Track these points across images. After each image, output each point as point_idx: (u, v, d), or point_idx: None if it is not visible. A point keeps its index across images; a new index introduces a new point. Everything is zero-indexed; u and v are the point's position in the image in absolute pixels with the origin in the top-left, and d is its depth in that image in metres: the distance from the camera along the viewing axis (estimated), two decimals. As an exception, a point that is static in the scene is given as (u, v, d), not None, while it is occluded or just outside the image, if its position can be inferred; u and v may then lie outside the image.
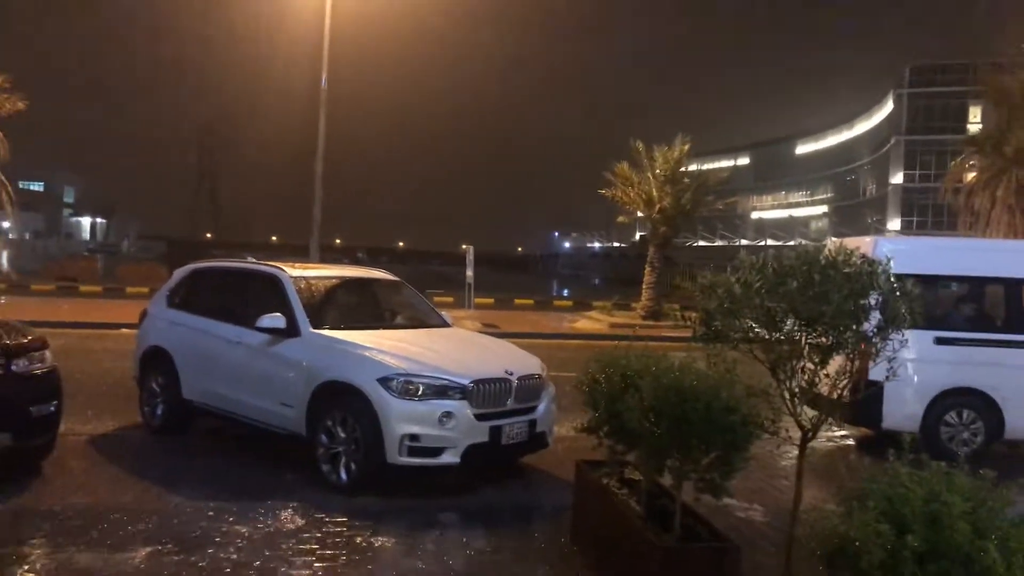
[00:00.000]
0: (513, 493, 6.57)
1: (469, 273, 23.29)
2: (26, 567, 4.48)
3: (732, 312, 3.07)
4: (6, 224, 38.04)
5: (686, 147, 22.69)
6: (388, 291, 8.47)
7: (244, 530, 5.14)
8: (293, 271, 7.44)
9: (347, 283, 8.19)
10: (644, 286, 23.17)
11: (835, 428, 9.23)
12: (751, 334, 3.15)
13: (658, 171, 22.45)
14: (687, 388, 3.90)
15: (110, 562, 4.50)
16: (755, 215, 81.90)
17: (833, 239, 3.30)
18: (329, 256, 24.60)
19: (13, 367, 5.91)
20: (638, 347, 4.89)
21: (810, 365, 3.11)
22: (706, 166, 40.24)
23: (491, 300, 28.01)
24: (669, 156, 22.46)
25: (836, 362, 3.18)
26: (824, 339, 3.03)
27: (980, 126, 40.65)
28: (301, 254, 21.33)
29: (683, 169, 23.31)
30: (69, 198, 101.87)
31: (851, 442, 9.00)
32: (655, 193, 22.47)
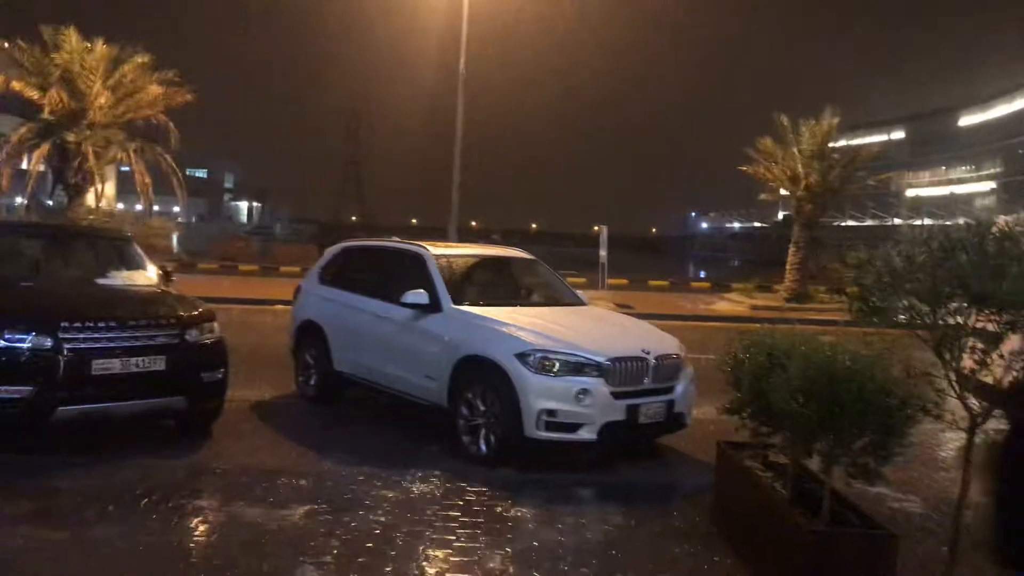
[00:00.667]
0: (651, 472, 6.53)
1: (603, 253, 23.12)
2: (199, 518, 4.91)
3: (892, 287, 2.89)
4: (176, 209, 41.32)
5: (835, 121, 21.48)
6: (524, 269, 8.58)
7: (391, 495, 5.39)
8: (435, 249, 7.68)
9: (485, 261, 8.36)
10: (788, 267, 22.21)
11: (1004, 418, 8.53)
12: (913, 312, 2.96)
13: (804, 146, 21.39)
14: (839, 368, 3.72)
15: (272, 517, 4.85)
16: (910, 192, 76.37)
17: (1004, 216, 3.04)
18: (466, 238, 25.18)
19: (187, 337, 6.45)
20: (783, 329, 4.72)
21: (980, 345, 2.89)
22: (856, 141, 37.92)
23: (625, 281, 27.73)
24: (816, 130, 21.34)
25: (1011, 343, 2.94)
26: (998, 317, 2.79)
27: None
28: (440, 236, 21.95)
29: (831, 144, 22.11)
30: (229, 184, 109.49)
31: None
32: (800, 169, 21.45)
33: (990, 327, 2.97)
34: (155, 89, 19.07)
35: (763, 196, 25.31)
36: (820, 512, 3.99)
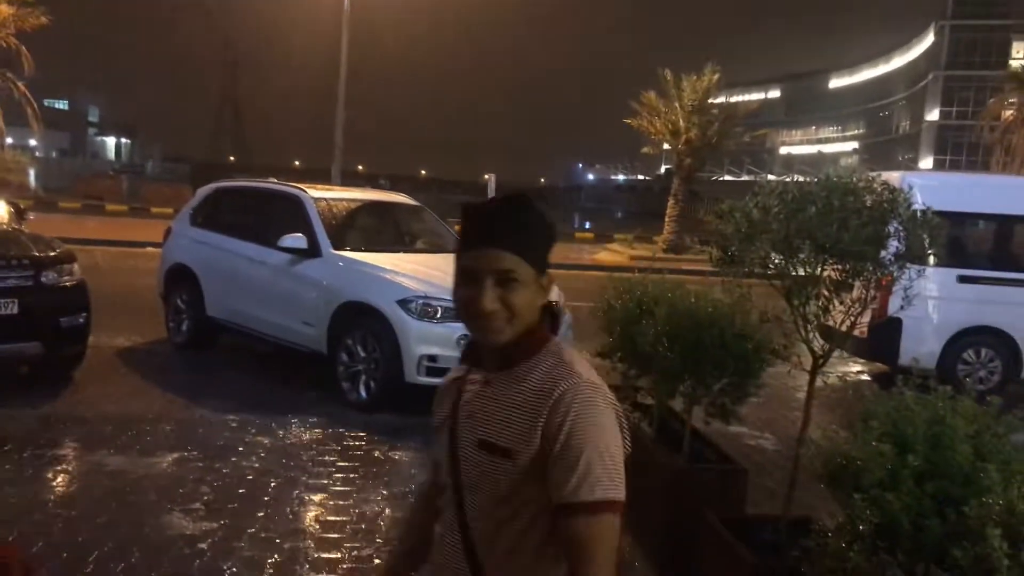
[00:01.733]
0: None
1: (491, 202, 23.18)
2: (61, 467, 4.69)
3: (749, 238, 3.06)
4: (32, 142, 38.24)
5: (715, 77, 22.17)
6: (408, 215, 8.50)
7: (266, 441, 5.32)
8: (315, 192, 7.48)
9: (368, 206, 8.22)
10: (667, 219, 23.03)
11: (851, 363, 9.28)
12: (768, 261, 3.15)
13: (686, 101, 22.01)
14: (702, 314, 3.92)
15: (139, 465, 4.70)
16: (784, 150, 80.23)
17: (861, 173, 3.26)
18: (351, 182, 24.59)
19: (43, 279, 6.06)
20: (656, 278, 4.91)
21: (825, 292, 3.12)
22: (736, 99, 39.31)
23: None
24: (697, 86, 21.98)
25: (853, 292, 3.18)
26: (841, 267, 3.02)
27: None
28: (324, 179, 21.34)
29: (711, 100, 22.85)
30: (94, 117, 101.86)
31: (866, 377, 9.04)
32: (682, 124, 22.09)
33: (835, 276, 3.20)
34: (4, 9, 17.44)
35: (646, 149, 25.98)
36: (682, 450, 4.24)
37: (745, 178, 68.16)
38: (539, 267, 1.44)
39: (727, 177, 66.58)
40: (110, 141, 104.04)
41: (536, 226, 1.45)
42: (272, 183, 8.23)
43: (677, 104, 22.13)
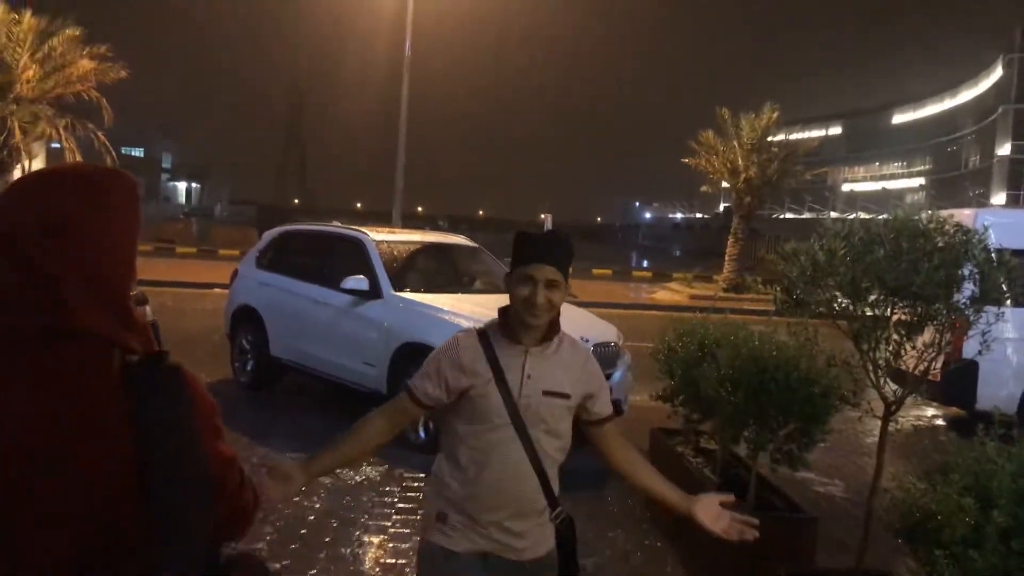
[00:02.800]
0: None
1: (548, 242, 23.28)
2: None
3: (815, 280, 3.00)
4: (110, 188, 39.98)
5: (774, 115, 22.00)
6: (467, 256, 8.58)
7: (327, 481, 5.36)
8: (376, 235, 7.63)
9: (427, 248, 8.34)
10: (727, 258, 22.74)
11: (924, 407, 8.92)
12: (834, 304, 3.08)
13: (744, 140, 21.87)
14: (766, 358, 3.85)
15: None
16: (846, 187, 78.70)
17: (929, 212, 3.17)
18: (411, 224, 25.03)
19: (117, 320, 6.27)
20: (717, 319, 4.84)
21: (895, 337, 3.02)
22: (795, 136, 38.86)
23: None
24: (756, 124, 21.83)
25: (925, 336, 3.08)
26: (912, 310, 2.93)
27: (1100, 93, 37.87)
28: (384, 221, 21.75)
29: (770, 138, 22.64)
30: (166, 163, 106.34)
31: (941, 422, 8.68)
32: (740, 162, 21.93)
33: (905, 319, 3.11)
34: (86, 64, 18.38)
35: (704, 188, 25.78)
36: (746, 496, 4.12)
37: (806, 215, 66.95)
38: (567, 277, 2.11)
39: (788, 215, 65.55)
40: (181, 186, 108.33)
41: (568, 252, 2.14)
42: (335, 226, 8.43)
43: (735, 143, 22.00)
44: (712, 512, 2.20)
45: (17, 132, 17.55)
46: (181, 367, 1.26)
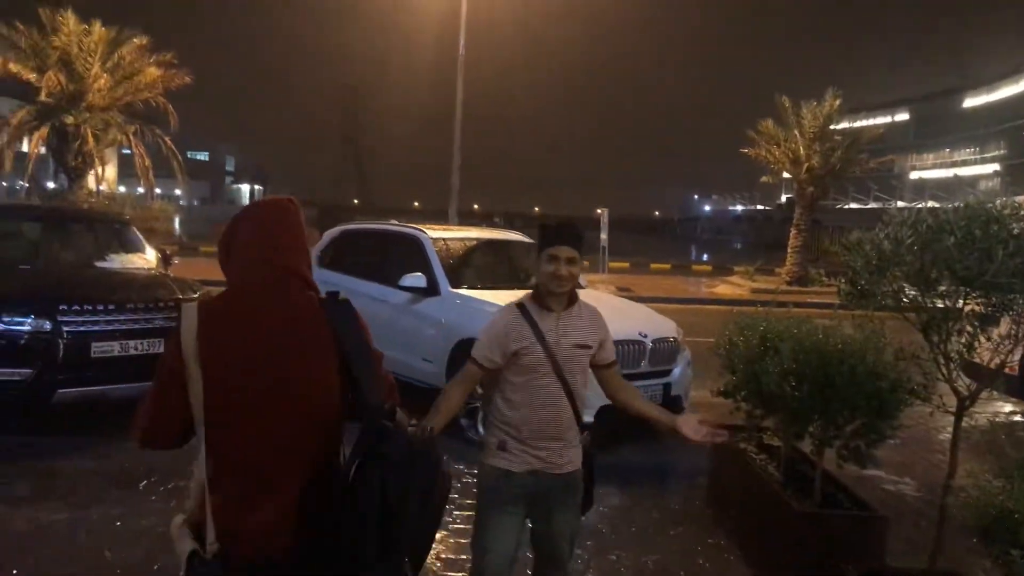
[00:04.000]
0: (647, 454, 6.57)
1: (603, 236, 23.14)
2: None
3: (880, 271, 2.90)
4: (177, 192, 41.29)
5: (836, 102, 21.42)
6: (523, 252, 8.58)
7: None
8: (433, 232, 7.70)
9: (484, 244, 8.37)
10: (789, 250, 22.24)
11: (1001, 402, 8.57)
12: (902, 295, 2.97)
13: (806, 128, 21.35)
14: (831, 351, 3.74)
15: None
16: (914, 175, 76.02)
17: (1003, 199, 3.02)
18: (467, 221, 25.17)
19: (185, 320, 6.48)
20: (780, 312, 4.73)
21: (968, 328, 2.90)
22: (859, 123, 37.75)
23: (626, 264, 27.77)
24: (818, 112, 21.30)
25: (1001, 327, 2.95)
26: (986, 301, 2.80)
27: None
28: (441, 219, 21.92)
29: (833, 126, 22.05)
30: (230, 167, 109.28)
31: (1019, 418, 8.33)
32: (802, 151, 21.42)
33: (978, 310, 2.99)
34: (153, 71, 19.02)
35: (765, 178, 25.27)
36: (812, 494, 4.03)
37: (872, 205, 65.04)
38: (580, 251, 2.79)
39: (852, 205, 63.76)
40: (244, 188, 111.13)
41: (579, 236, 2.80)
42: (393, 225, 8.54)
43: (797, 132, 21.49)
44: (691, 425, 2.73)
45: (90, 139, 18.25)
46: (347, 299, 2.06)
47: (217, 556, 1.85)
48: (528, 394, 2.79)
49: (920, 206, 3.15)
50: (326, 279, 8.31)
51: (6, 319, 5.82)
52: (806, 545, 3.79)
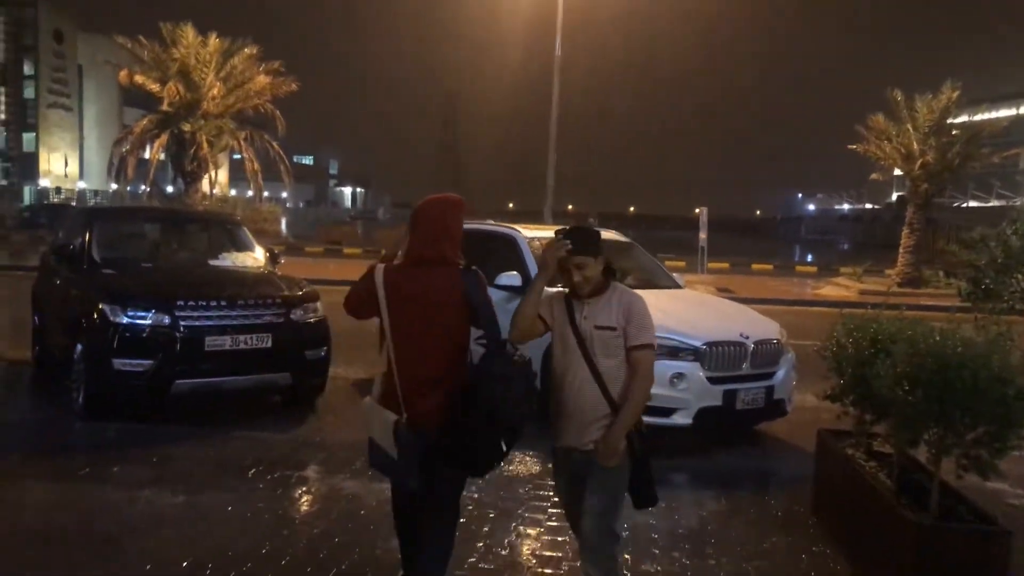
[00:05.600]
0: (749, 459, 6.38)
1: (702, 236, 22.64)
2: (304, 488, 5.14)
3: (1007, 268, 2.71)
4: (284, 194, 42.99)
5: (954, 94, 20.23)
6: (618, 252, 8.47)
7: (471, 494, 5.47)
8: (528, 232, 7.71)
9: (579, 243, 8.31)
10: (901, 250, 21.18)
11: None
12: (1033, 294, 2.76)
13: (920, 122, 20.26)
14: (949, 354, 3.52)
15: (371, 490, 5.02)
16: (1042, 170, 70.91)
17: None
18: (562, 221, 25.15)
19: (292, 316, 6.74)
20: (892, 314, 4.50)
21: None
22: (981, 116, 35.51)
23: (726, 265, 27.11)
24: (934, 105, 20.17)
25: None
26: None
27: None
28: (536, 219, 21.98)
29: (951, 120, 20.84)
30: (333, 170, 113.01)
31: None
32: (916, 147, 20.35)
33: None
34: (262, 79, 19.89)
35: (874, 176, 24.12)
36: (928, 505, 3.80)
37: (994, 203, 61.13)
38: (595, 254, 3.11)
39: (972, 203, 60.11)
40: (347, 191, 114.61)
41: (587, 238, 3.11)
42: (489, 225, 8.60)
43: (910, 126, 20.43)
44: (610, 450, 3.04)
45: (204, 145, 19.26)
46: (477, 270, 3.15)
47: (408, 424, 2.99)
48: (561, 369, 3.11)
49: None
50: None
51: (131, 313, 6.19)
52: (922, 559, 3.58)
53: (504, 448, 2.98)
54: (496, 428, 2.91)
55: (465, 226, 9.87)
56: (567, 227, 3.18)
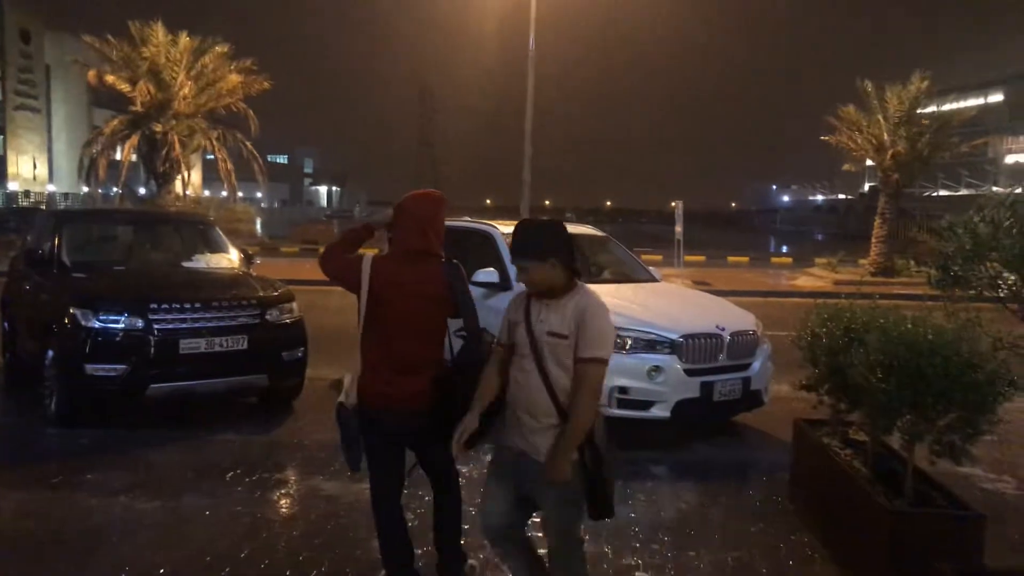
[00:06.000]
0: (727, 450, 6.43)
1: (678, 229, 22.74)
2: (283, 490, 5.10)
3: (975, 255, 2.74)
4: (258, 194, 42.63)
5: (924, 84, 20.49)
6: (594, 246, 8.51)
7: (464, 469, 5.46)
8: (505, 228, 7.70)
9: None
10: (873, 240, 21.45)
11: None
12: (999, 281, 2.80)
13: (890, 113, 20.49)
14: (921, 341, 3.57)
15: (349, 491, 5.00)
16: (1010, 159, 72.02)
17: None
18: (540, 217, 25.16)
19: (267, 317, 6.68)
20: (865, 303, 4.55)
21: (1075, 316, 2.72)
22: (949, 106, 36.03)
23: (702, 257, 27.27)
24: (903, 95, 20.42)
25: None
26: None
27: None
28: (514, 215, 21.97)
29: (920, 110, 21.10)
30: (308, 169, 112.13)
31: None
32: (886, 137, 20.60)
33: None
34: (234, 78, 19.67)
35: (846, 166, 24.42)
36: (903, 491, 3.86)
37: (963, 192, 61.99)
38: (539, 255, 2.90)
39: (942, 192, 60.95)
40: (323, 190, 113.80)
41: (528, 240, 2.95)
42: (466, 221, 8.58)
43: (880, 117, 20.67)
44: (557, 472, 2.83)
45: (176, 145, 19.02)
46: (458, 263, 3.38)
47: (358, 408, 3.39)
48: (515, 371, 3.00)
49: (1019, 190, 2.96)
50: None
51: (102, 317, 6.10)
52: (898, 544, 3.63)
53: (486, 429, 3.08)
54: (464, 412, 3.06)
55: (448, 223, 9.76)
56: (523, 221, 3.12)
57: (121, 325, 6.12)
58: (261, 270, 8.35)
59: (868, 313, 4.21)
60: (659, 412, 6.04)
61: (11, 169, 72.40)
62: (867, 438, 4.39)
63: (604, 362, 2.85)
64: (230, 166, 21.10)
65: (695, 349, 6.17)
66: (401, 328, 3.26)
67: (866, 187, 64.51)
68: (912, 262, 20.49)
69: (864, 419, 4.22)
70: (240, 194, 23.93)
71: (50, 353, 6.35)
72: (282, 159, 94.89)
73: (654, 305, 6.74)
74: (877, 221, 21.46)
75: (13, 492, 4.94)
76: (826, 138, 22.11)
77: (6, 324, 8.23)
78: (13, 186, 68.33)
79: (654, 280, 7.90)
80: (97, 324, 6.08)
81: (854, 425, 4.75)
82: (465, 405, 3.02)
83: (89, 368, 6.03)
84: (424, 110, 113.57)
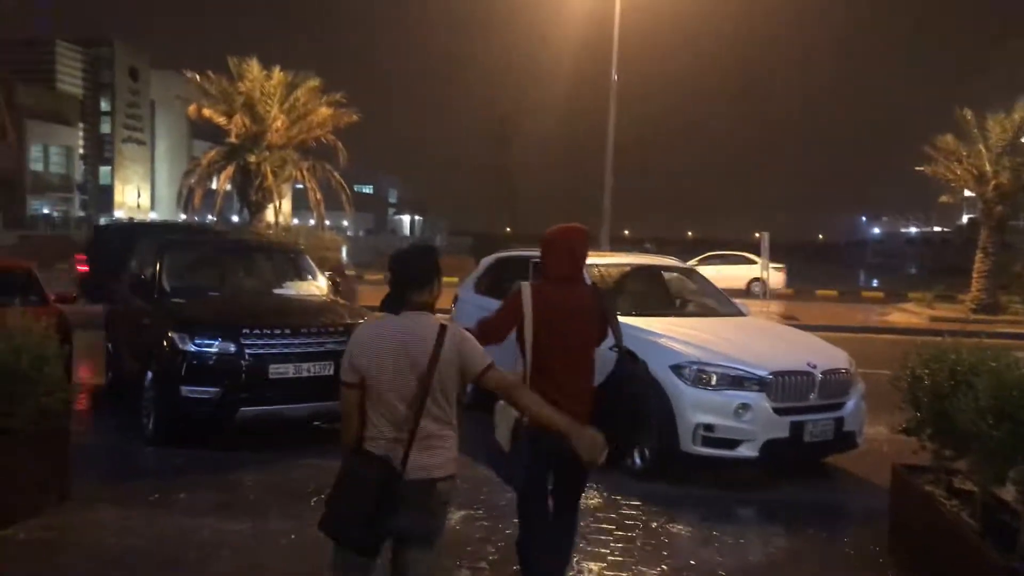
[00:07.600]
0: (818, 493, 6.16)
1: (764, 261, 22.16)
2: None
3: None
4: (345, 223, 43.82)
5: (1029, 112, 19.46)
6: (679, 279, 8.37)
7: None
8: (594, 259, 7.65)
9: (637, 271, 8.23)
10: (975, 275, 20.37)
11: None
12: None
13: (993, 142, 19.55)
14: (1037, 387, 3.34)
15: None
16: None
17: None
18: (618, 247, 24.95)
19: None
20: (970, 343, 4.31)
21: None
22: (1056, 134, 34.17)
23: (790, 291, 26.50)
24: (1007, 124, 19.44)
25: None
26: None
27: None
28: (592, 245, 21.89)
29: (1024, 139, 20.05)
30: (392, 199, 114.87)
31: None
32: (988, 167, 19.62)
33: None
34: (324, 111, 20.36)
35: (944, 198, 23.32)
36: (1015, 547, 3.59)
37: (1073, 224, 58.36)
38: (427, 284, 2.96)
39: (1049, 225, 57.57)
40: (405, 219, 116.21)
41: (417, 275, 2.99)
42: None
43: (981, 146, 19.75)
44: (586, 441, 2.80)
45: (269, 176, 19.76)
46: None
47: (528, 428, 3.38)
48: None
49: None
50: (482, 304, 8.43)
51: (198, 342, 6.34)
52: (1011, 605, 3.38)
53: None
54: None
55: (522, 253, 9.94)
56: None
57: (215, 349, 6.34)
58: (349, 297, 8.51)
59: (975, 354, 3.99)
60: (746, 451, 5.84)
61: (117, 198, 76.91)
62: (975, 488, 4.12)
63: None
64: (319, 196, 21.76)
65: (785, 387, 5.96)
66: (563, 348, 3.56)
67: (964, 219, 61.63)
68: (1016, 300, 19.40)
69: (972, 467, 3.97)
70: (328, 223, 24.62)
71: (149, 375, 6.63)
72: (368, 189, 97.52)
73: (741, 340, 6.56)
74: (979, 255, 20.42)
75: (115, 508, 5.14)
76: (922, 168, 21.22)
77: (110, 346, 8.64)
78: (119, 214, 72.45)
79: (740, 314, 7.70)
80: (193, 347, 6.32)
81: (960, 474, 4.48)
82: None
83: (185, 390, 6.26)
84: (503, 140, 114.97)
